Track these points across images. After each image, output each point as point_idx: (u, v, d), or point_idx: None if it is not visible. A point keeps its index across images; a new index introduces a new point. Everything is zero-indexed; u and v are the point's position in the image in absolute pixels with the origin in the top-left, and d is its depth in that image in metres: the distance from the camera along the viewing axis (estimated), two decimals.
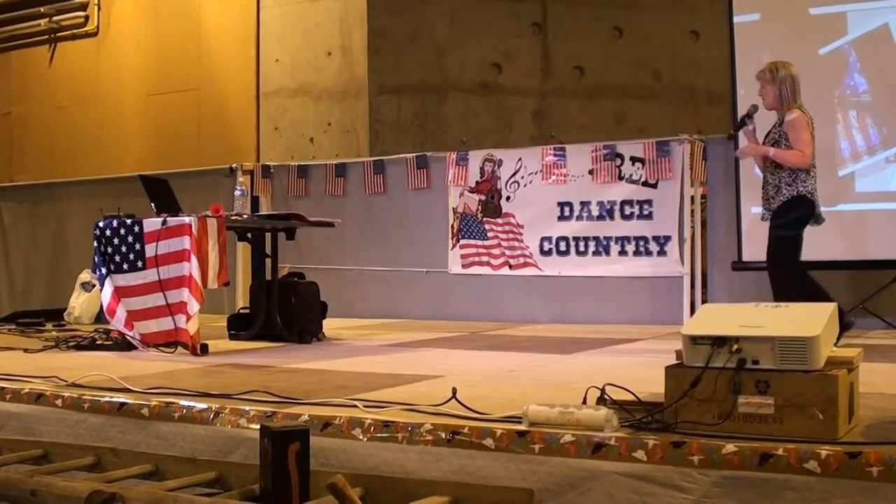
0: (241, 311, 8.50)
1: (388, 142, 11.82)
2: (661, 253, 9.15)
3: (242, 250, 10.47)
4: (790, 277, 6.78)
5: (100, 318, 9.22)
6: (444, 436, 3.64)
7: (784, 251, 6.81)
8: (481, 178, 10.10)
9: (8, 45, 14.82)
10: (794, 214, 6.78)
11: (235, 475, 3.77)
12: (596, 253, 9.47)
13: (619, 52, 12.08)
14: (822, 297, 6.52)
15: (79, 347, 7.15)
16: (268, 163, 11.56)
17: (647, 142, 9.30)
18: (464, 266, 10.19)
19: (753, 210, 8.60)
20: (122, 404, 4.46)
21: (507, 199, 9.96)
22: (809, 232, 8.44)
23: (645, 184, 9.23)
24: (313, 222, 8.13)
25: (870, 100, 8.36)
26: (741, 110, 8.66)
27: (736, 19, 8.81)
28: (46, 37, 14.42)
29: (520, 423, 3.60)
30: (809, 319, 3.40)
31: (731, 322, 3.48)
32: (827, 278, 8.45)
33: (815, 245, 8.35)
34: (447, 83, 12.04)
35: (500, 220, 9.99)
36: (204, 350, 6.73)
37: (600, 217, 9.45)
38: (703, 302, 8.85)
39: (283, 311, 7.83)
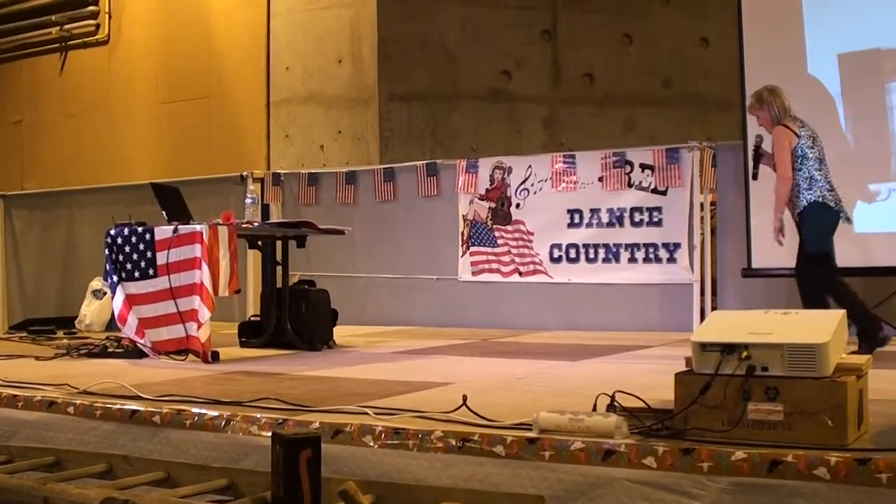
0: (252, 318, 8.51)
1: (399, 149, 11.84)
2: (671, 260, 9.15)
3: (253, 258, 10.48)
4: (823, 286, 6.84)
5: (111, 325, 9.25)
6: (454, 443, 3.65)
7: (811, 256, 6.88)
8: (491, 185, 10.11)
9: (19, 54, 14.88)
10: (815, 218, 6.86)
11: (247, 482, 3.79)
12: (606, 260, 9.47)
13: (628, 60, 12.09)
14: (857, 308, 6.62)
15: (90, 355, 7.17)
16: (278, 171, 11.59)
17: (657, 149, 9.31)
18: (474, 273, 10.20)
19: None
20: (134, 412, 4.48)
21: (517, 206, 9.96)
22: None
23: (654, 191, 9.24)
24: (324, 230, 8.15)
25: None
26: (750, 117, 8.71)
27: (745, 26, 8.81)
28: (57, 45, 14.48)
29: (530, 430, 3.62)
30: (818, 326, 3.41)
31: (740, 329, 3.49)
32: None
33: None
34: (457, 91, 12.05)
35: (509, 228, 10.00)
36: (215, 357, 6.75)
37: (610, 224, 9.45)
38: (713, 309, 8.84)
39: (294, 318, 7.84)
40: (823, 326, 3.40)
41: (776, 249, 8.52)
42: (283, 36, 12.51)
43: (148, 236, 7.04)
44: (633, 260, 9.36)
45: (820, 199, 6.82)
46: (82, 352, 7.26)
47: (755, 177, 7.34)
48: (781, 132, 6.88)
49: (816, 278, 6.82)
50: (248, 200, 8.05)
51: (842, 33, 8.44)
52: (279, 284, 8.04)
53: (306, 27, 12.36)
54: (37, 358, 6.98)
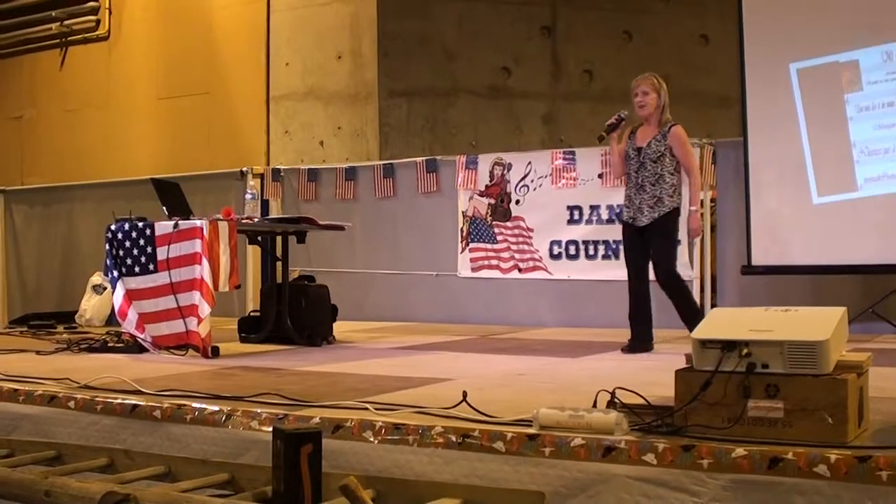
0: (252, 313, 8.52)
1: (398, 145, 11.84)
2: None
3: (253, 253, 10.50)
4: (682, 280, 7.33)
5: (111, 320, 9.25)
6: (454, 439, 3.66)
7: (673, 259, 7.25)
8: (491, 181, 10.12)
9: (19, 49, 14.87)
10: (674, 224, 7.18)
11: (247, 477, 3.80)
12: (605, 256, 9.47)
13: (628, 56, 12.08)
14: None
15: (90, 350, 7.18)
16: (278, 166, 11.59)
17: None
18: (473, 269, 10.21)
19: (767, 220, 8.61)
20: (135, 406, 4.49)
21: (517, 202, 9.97)
22: (820, 235, 8.47)
23: None
24: (323, 226, 8.15)
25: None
26: (751, 113, 8.71)
27: (745, 22, 8.80)
28: (58, 41, 14.47)
29: (530, 426, 3.62)
30: (819, 323, 3.42)
31: (740, 326, 3.49)
32: (837, 282, 8.48)
33: (826, 249, 8.37)
34: (457, 87, 12.05)
35: (509, 224, 10.00)
36: (215, 353, 6.76)
37: (610, 221, 9.45)
38: (713, 306, 8.85)
39: (294, 313, 7.85)
40: (824, 324, 3.40)
41: (776, 246, 8.57)
42: (283, 32, 12.51)
43: (148, 231, 7.05)
44: None
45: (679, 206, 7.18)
46: (83, 346, 7.27)
47: (601, 139, 7.40)
48: (683, 133, 7.15)
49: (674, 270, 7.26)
50: (247, 196, 8.06)
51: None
52: (279, 280, 8.06)
53: (306, 23, 12.37)
54: (37, 352, 6.99)
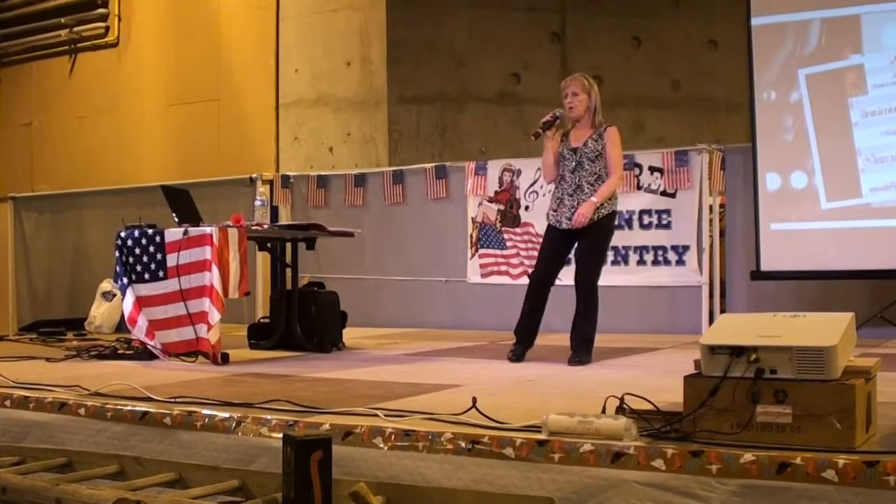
0: (262, 320, 8.54)
1: (407, 152, 11.86)
2: (680, 262, 9.15)
3: (262, 260, 10.53)
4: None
5: (121, 327, 9.28)
6: (464, 445, 3.66)
7: (601, 265, 7.07)
8: (500, 187, 10.13)
9: (29, 56, 14.91)
10: (610, 230, 7.00)
11: (258, 483, 3.81)
12: (614, 262, 9.45)
13: (637, 62, 12.10)
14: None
15: (100, 357, 7.20)
16: (287, 173, 11.62)
17: (666, 151, 9.31)
18: (482, 276, 10.21)
19: (776, 226, 8.60)
20: (145, 413, 4.50)
21: (526, 208, 9.97)
22: (829, 240, 8.46)
23: (664, 193, 9.25)
24: (333, 232, 8.17)
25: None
26: (759, 119, 8.71)
27: (754, 27, 8.78)
28: (67, 47, 14.51)
29: (539, 432, 3.63)
30: (827, 329, 3.42)
31: (749, 332, 3.50)
32: (846, 287, 8.48)
33: (834, 255, 8.37)
34: (466, 93, 12.07)
35: (518, 230, 10.01)
36: (225, 359, 6.77)
37: (619, 227, 9.43)
38: (722, 311, 8.85)
39: (303, 320, 7.87)
40: (832, 329, 3.41)
41: (785, 252, 8.57)
42: (293, 39, 12.54)
43: (158, 238, 7.07)
44: (641, 262, 9.36)
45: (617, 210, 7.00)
46: (92, 353, 7.29)
47: (536, 136, 7.17)
48: (618, 134, 6.94)
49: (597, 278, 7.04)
50: (257, 202, 8.07)
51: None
52: (288, 286, 8.07)
53: (315, 30, 12.39)
54: (47, 359, 7.01)
